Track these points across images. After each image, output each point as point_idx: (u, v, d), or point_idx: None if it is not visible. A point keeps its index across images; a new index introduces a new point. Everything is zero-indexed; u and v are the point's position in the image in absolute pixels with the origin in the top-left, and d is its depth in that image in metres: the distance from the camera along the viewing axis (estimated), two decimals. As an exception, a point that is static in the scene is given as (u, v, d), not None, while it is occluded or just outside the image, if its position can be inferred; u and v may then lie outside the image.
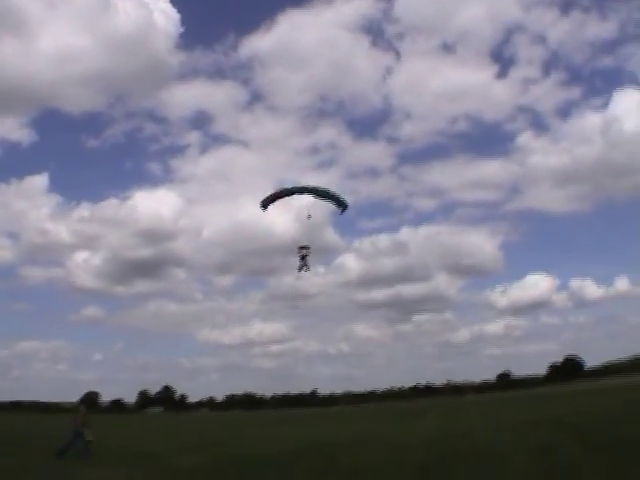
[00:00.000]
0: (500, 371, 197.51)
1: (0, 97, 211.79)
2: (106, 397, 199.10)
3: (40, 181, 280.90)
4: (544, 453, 18.21)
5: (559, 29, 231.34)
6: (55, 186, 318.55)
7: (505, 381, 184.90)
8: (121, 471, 18.91)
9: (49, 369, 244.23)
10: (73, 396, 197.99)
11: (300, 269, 23.14)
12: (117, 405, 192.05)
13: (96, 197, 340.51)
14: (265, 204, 23.31)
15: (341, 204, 23.39)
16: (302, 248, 23.13)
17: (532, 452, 18.62)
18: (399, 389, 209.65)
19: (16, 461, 21.49)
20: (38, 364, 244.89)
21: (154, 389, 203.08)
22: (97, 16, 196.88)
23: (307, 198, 23.26)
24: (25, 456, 23.93)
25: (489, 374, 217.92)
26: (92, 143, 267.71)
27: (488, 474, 15.49)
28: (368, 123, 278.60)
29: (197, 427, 61.84)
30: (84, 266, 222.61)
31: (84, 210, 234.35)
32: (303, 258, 23.04)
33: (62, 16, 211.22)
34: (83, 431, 23.13)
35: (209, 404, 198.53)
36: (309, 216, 22.89)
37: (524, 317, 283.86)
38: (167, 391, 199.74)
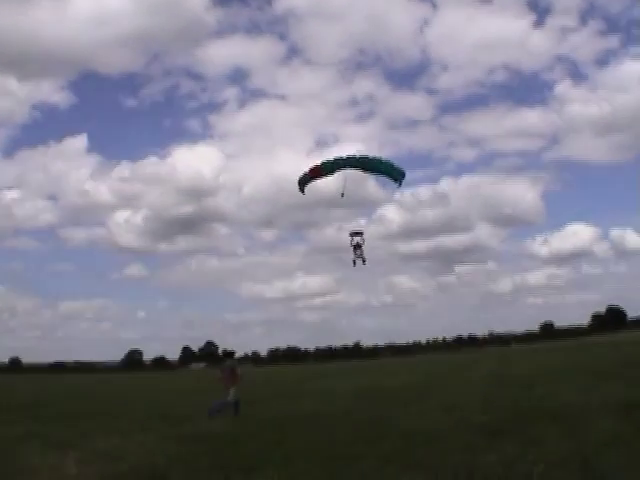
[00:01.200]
0: (542, 321, 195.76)
1: (37, 61, 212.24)
2: (150, 354, 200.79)
3: (79, 142, 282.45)
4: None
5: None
6: (94, 146, 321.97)
7: (548, 331, 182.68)
8: (136, 437, 16.34)
9: (93, 329, 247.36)
10: (117, 355, 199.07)
11: (355, 261, 19.02)
12: (160, 362, 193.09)
13: (136, 156, 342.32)
14: (302, 186, 19.04)
15: (397, 176, 18.71)
16: (355, 234, 19.01)
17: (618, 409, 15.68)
18: (443, 340, 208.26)
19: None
20: (82, 324, 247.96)
21: (198, 345, 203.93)
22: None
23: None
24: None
25: (531, 324, 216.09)
26: (130, 102, 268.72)
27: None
28: (406, 75, 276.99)
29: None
30: (125, 225, 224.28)
31: (124, 169, 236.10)
32: (357, 247, 18.94)
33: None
34: (230, 389, 20.65)
35: (253, 359, 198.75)
36: (342, 195, 18.21)
37: (566, 267, 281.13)
38: (210, 346, 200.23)
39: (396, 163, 18.69)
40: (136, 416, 23.07)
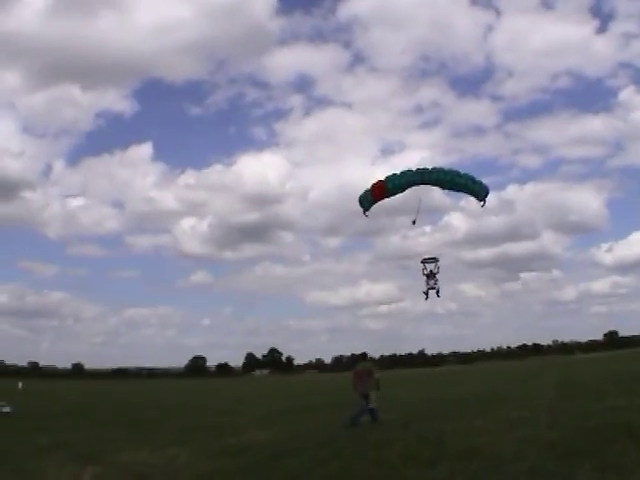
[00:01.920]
0: (606, 330, 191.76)
1: (102, 70, 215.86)
2: (214, 361, 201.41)
3: (144, 150, 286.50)
4: None
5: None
6: (159, 154, 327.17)
7: (613, 340, 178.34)
8: (169, 451, 15.06)
9: (157, 335, 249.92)
10: (181, 362, 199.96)
11: (427, 292, 17.32)
12: (224, 369, 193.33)
13: (201, 164, 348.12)
14: (365, 207, 17.06)
15: (480, 194, 16.78)
16: (427, 261, 17.31)
17: None
18: (507, 348, 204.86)
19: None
20: (146, 330, 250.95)
21: (261, 352, 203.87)
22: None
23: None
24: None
25: (596, 333, 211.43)
26: (195, 110, 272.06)
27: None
28: (471, 81, 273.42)
29: (295, 391, 58.81)
30: (191, 232, 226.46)
31: (189, 177, 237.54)
32: (431, 276, 17.23)
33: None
34: (369, 394, 19.25)
35: (316, 366, 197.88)
36: (414, 222, 16.52)
37: (630, 275, 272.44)
38: (274, 353, 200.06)
39: (476, 177, 16.90)
40: (179, 425, 22.02)
